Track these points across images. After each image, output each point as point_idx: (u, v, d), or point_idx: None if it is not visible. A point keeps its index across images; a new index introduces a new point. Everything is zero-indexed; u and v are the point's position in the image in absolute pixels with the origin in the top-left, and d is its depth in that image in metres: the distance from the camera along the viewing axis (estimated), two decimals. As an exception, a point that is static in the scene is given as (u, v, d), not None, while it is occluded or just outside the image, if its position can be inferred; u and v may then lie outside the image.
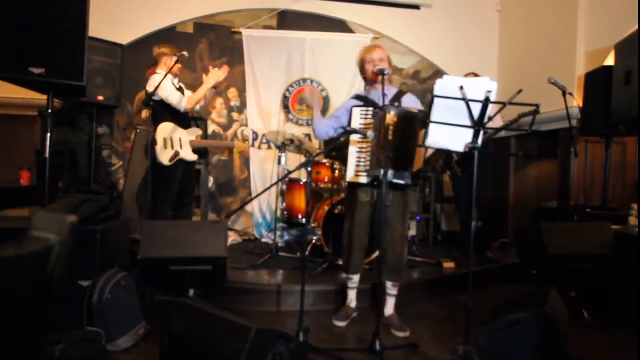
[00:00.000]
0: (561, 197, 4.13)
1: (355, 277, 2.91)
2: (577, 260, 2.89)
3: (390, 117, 2.43)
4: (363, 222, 2.79)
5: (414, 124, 2.49)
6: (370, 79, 2.83)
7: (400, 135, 2.43)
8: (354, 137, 2.69)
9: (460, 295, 2.68)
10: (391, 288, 2.82)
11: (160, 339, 1.98)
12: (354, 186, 2.77)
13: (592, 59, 3.93)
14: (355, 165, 2.67)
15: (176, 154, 3.63)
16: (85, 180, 4.56)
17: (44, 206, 2.70)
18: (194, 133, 3.77)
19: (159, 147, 3.56)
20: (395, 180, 2.44)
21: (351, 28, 5.36)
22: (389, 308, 2.85)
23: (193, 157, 3.77)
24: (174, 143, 3.63)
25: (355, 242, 2.80)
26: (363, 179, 2.62)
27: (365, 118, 2.67)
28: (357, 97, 2.89)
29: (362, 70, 2.87)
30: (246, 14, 5.22)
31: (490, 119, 2.18)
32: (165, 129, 3.60)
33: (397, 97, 2.78)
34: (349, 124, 2.72)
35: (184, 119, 3.72)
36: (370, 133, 2.51)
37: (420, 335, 2.68)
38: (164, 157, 3.58)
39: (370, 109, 2.67)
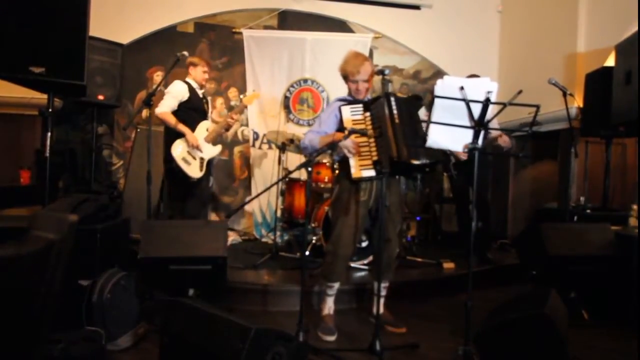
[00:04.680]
0: (561, 198, 4.13)
1: (337, 285, 2.79)
2: (577, 261, 2.89)
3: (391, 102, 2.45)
4: (360, 226, 2.67)
5: (414, 103, 2.57)
6: (350, 93, 2.76)
7: (407, 117, 2.46)
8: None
9: (460, 296, 2.69)
10: (382, 289, 2.75)
11: (160, 338, 1.98)
12: (350, 185, 2.65)
13: (592, 59, 3.92)
14: (359, 160, 2.55)
15: (202, 160, 3.66)
16: (85, 180, 4.56)
17: (44, 206, 2.70)
18: (204, 127, 3.77)
19: (184, 167, 3.61)
20: (415, 162, 2.40)
21: (352, 28, 5.36)
22: (381, 307, 2.82)
23: (217, 150, 3.82)
24: (194, 153, 3.65)
25: (345, 248, 2.67)
26: (372, 172, 2.53)
27: (357, 114, 2.61)
28: (342, 99, 2.77)
29: (344, 79, 2.76)
30: (247, 14, 5.22)
31: (490, 120, 2.18)
32: (180, 149, 3.63)
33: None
34: (341, 123, 2.64)
35: (197, 118, 3.75)
36: (369, 131, 2.52)
37: (420, 336, 2.68)
38: (194, 171, 3.65)
39: (360, 105, 2.63)
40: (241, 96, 4.00)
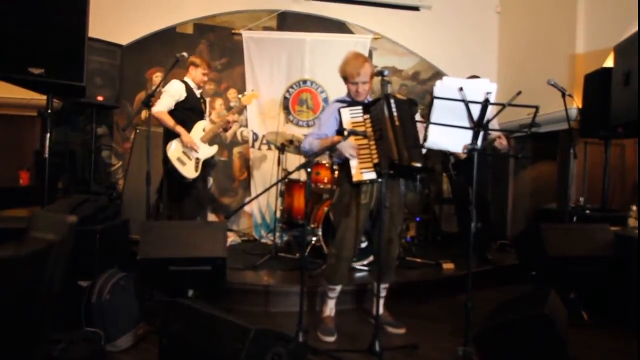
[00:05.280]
0: (560, 199, 4.13)
1: (339, 287, 2.79)
2: (576, 262, 2.89)
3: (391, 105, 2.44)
4: (361, 228, 2.68)
5: (411, 106, 2.57)
6: (350, 94, 2.76)
7: (406, 119, 2.46)
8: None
9: (460, 297, 2.69)
10: (382, 290, 2.75)
11: (159, 339, 1.98)
12: (351, 187, 2.64)
13: (591, 60, 3.93)
14: (359, 162, 2.55)
15: (197, 160, 3.65)
16: (84, 181, 4.55)
17: (43, 206, 2.69)
18: (200, 127, 3.75)
19: (178, 167, 3.58)
20: (416, 165, 2.40)
21: (351, 29, 5.36)
22: (381, 308, 2.82)
23: (213, 150, 3.80)
24: (189, 153, 3.64)
25: (348, 250, 2.68)
26: (372, 175, 2.53)
27: (357, 117, 2.60)
28: (341, 100, 2.77)
29: (344, 80, 2.75)
30: (246, 15, 5.23)
31: (489, 120, 2.19)
32: (175, 149, 3.60)
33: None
34: (340, 125, 2.63)
35: (194, 118, 3.73)
36: (369, 134, 2.52)
37: (420, 337, 2.68)
38: (189, 171, 3.63)
39: (359, 107, 2.62)
40: (240, 96, 3.99)
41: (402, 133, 2.42)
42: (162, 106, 3.56)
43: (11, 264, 1.40)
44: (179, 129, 3.58)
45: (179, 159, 3.59)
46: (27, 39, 2.49)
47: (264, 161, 5.19)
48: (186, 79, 3.74)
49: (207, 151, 3.73)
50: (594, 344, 2.61)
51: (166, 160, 3.59)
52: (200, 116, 3.78)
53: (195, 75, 3.74)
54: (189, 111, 3.69)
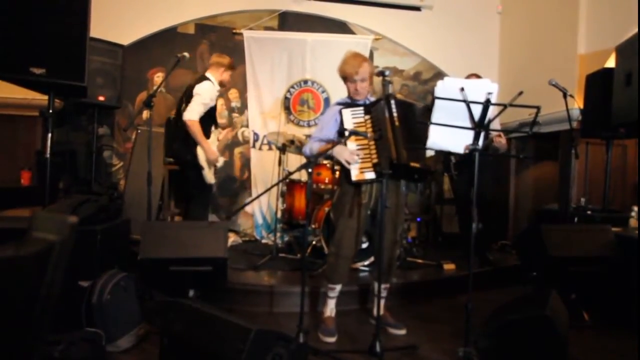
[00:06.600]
0: (562, 199, 4.13)
1: (339, 287, 2.79)
2: (577, 263, 2.88)
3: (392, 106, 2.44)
4: (361, 228, 2.68)
5: (414, 107, 2.57)
6: (349, 95, 2.77)
7: (407, 120, 2.46)
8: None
9: (461, 297, 2.69)
10: (383, 291, 2.73)
11: (160, 339, 1.98)
12: (351, 187, 2.66)
13: (593, 61, 3.92)
14: (359, 162, 2.55)
15: (215, 167, 3.68)
16: (86, 181, 4.56)
17: (44, 206, 2.70)
18: (215, 136, 3.75)
19: (205, 169, 3.55)
20: (415, 165, 2.40)
21: (352, 29, 5.36)
22: (381, 309, 2.82)
23: (222, 159, 3.84)
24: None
25: (347, 250, 2.68)
26: (372, 174, 2.53)
27: (358, 117, 2.61)
28: (342, 103, 2.78)
29: (343, 80, 2.76)
30: (247, 15, 5.23)
31: (490, 121, 2.18)
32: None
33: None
34: (341, 125, 2.64)
35: (212, 124, 3.70)
36: (370, 134, 2.52)
37: (420, 337, 2.68)
38: (210, 176, 3.62)
39: (361, 108, 2.63)
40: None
41: (401, 133, 2.43)
42: (197, 114, 3.43)
43: (12, 264, 1.40)
44: (207, 146, 3.49)
45: (208, 163, 3.57)
46: (29, 38, 2.50)
47: (265, 161, 5.18)
48: (212, 78, 3.60)
49: (221, 159, 3.75)
50: (595, 345, 2.61)
51: (194, 159, 3.49)
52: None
53: (225, 78, 3.65)
54: (209, 117, 3.59)
